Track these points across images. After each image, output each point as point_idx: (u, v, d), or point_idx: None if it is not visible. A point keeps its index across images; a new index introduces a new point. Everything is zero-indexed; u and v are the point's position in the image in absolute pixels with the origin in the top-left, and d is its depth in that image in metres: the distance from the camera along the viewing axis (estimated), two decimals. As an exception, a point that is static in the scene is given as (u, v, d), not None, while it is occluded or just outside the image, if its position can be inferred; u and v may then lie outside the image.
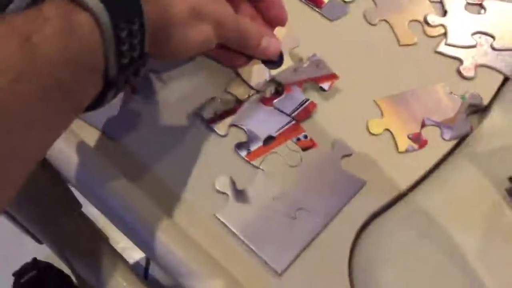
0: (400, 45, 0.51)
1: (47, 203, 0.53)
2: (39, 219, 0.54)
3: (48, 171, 0.48)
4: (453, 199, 0.42)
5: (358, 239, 0.42)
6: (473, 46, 0.50)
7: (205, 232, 0.40)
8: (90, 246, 0.58)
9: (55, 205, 0.55)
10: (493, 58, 0.50)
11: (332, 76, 0.47)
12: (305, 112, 0.46)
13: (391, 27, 0.51)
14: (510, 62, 0.49)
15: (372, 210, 0.42)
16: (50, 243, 0.59)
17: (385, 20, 0.52)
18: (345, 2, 0.52)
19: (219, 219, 0.41)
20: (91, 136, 0.44)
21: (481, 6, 0.52)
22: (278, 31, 0.45)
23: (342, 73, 0.47)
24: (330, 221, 0.41)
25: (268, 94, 0.47)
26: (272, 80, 0.47)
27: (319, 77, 0.48)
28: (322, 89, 0.47)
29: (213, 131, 0.44)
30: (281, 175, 0.43)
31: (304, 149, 0.45)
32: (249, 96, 0.46)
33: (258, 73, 0.47)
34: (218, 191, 0.42)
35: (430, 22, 0.51)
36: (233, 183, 0.43)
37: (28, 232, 0.59)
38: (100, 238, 0.63)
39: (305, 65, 0.48)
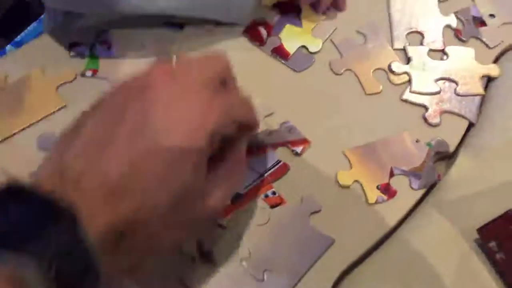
0: (366, 94, 0.51)
1: None
2: None
3: None
4: (423, 251, 0.42)
5: (331, 297, 0.41)
6: (437, 93, 0.51)
7: (172, 299, 0.40)
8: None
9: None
10: (457, 104, 0.50)
11: (304, 141, 0.47)
12: (277, 173, 0.46)
13: (357, 76, 0.52)
14: (474, 108, 0.50)
15: (343, 267, 0.42)
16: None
17: (350, 70, 0.52)
18: (310, 53, 0.53)
19: (183, 283, 0.40)
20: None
21: (443, 52, 0.53)
22: (253, 99, 0.45)
23: (310, 125, 0.48)
24: (299, 282, 0.41)
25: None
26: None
27: (292, 141, 0.48)
28: (295, 153, 0.47)
29: (179, 191, 0.44)
30: (249, 235, 0.42)
31: (272, 206, 0.44)
32: (215, 154, 0.46)
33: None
34: (184, 253, 0.41)
35: (394, 70, 0.52)
36: (199, 244, 0.42)
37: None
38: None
39: (278, 130, 0.48)
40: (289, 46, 0.52)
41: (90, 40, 0.51)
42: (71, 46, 0.51)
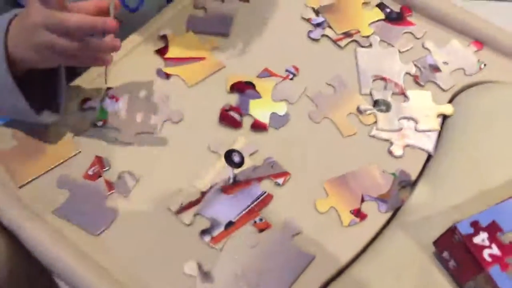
0: (343, 137, 0.59)
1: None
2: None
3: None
4: (391, 263, 0.49)
5: (312, 307, 0.48)
6: (400, 129, 0.59)
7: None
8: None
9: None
10: (417, 139, 0.58)
11: (285, 174, 0.55)
12: (263, 203, 0.53)
13: (333, 122, 0.60)
14: (432, 142, 0.58)
15: (322, 281, 0.49)
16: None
17: (327, 117, 0.60)
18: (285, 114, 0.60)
19: (189, 300, 0.47)
20: (75, 233, 0.50)
21: (404, 95, 0.62)
22: (238, 139, 0.54)
23: (295, 164, 0.55)
24: (285, 293, 0.48)
25: (228, 183, 0.54)
26: (235, 176, 0.55)
27: (274, 175, 0.55)
28: (277, 184, 0.55)
29: (180, 221, 0.51)
30: (241, 255, 0.50)
31: (260, 230, 0.51)
32: (210, 187, 0.54)
33: (224, 171, 0.55)
34: (187, 274, 0.48)
35: (363, 111, 0.60)
36: (199, 266, 0.49)
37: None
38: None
39: (262, 165, 0.56)
40: (261, 117, 0.59)
41: (100, 95, 0.60)
42: (83, 101, 0.59)
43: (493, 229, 0.44)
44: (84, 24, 0.48)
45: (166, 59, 0.63)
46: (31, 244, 0.49)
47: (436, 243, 0.47)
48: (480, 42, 0.66)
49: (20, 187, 0.53)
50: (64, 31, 0.48)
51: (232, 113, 0.59)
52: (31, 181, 0.53)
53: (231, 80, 0.62)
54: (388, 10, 0.69)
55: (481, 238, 0.43)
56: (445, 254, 0.46)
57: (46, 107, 0.55)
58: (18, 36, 0.51)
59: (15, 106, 0.52)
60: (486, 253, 0.42)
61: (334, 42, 0.66)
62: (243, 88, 0.61)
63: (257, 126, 0.59)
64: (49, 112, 0.55)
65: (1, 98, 0.52)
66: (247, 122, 0.59)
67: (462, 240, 0.43)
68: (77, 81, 0.61)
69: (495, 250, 0.42)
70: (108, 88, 0.60)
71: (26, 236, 0.49)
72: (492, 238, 0.43)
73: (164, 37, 0.65)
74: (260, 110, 0.60)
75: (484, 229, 0.44)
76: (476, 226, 0.44)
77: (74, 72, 0.62)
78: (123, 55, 0.62)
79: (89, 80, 0.61)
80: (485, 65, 0.64)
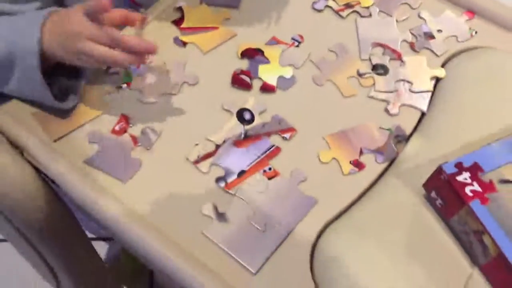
0: (344, 97, 0.65)
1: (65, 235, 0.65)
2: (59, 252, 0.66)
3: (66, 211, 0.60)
4: (386, 206, 0.55)
5: (317, 243, 0.54)
6: (396, 91, 0.65)
7: (197, 245, 0.52)
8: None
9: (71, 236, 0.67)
10: (412, 99, 0.64)
11: (291, 129, 0.61)
12: (272, 154, 0.59)
13: (335, 84, 0.66)
14: (425, 101, 0.64)
15: (324, 222, 0.55)
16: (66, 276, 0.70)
17: (330, 80, 0.66)
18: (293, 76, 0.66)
19: (206, 236, 0.53)
20: (105, 180, 0.56)
21: (401, 60, 0.67)
22: (249, 99, 0.60)
23: (300, 121, 0.61)
24: (291, 231, 0.54)
25: (240, 138, 0.60)
26: (246, 131, 0.61)
27: (282, 130, 0.61)
28: (285, 138, 0.61)
29: (198, 169, 0.58)
30: (252, 200, 0.56)
31: (269, 178, 0.57)
32: (224, 142, 0.60)
33: (236, 128, 0.61)
34: (204, 215, 0.55)
35: (362, 75, 0.66)
36: (215, 208, 0.55)
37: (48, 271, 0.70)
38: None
39: (270, 122, 0.62)
40: (270, 80, 0.65)
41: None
42: (108, 67, 0.65)
43: (474, 169, 0.49)
44: (133, 46, 0.55)
45: (182, 29, 0.69)
46: (70, 189, 0.55)
47: (425, 185, 0.53)
48: (471, 11, 0.71)
49: (55, 141, 0.59)
50: (108, 44, 0.55)
51: (243, 76, 0.65)
52: (64, 136, 0.60)
53: (242, 47, 0.68)
54: (386, -18, 0.74)
55: (464, 177, 0.49)
56: (433, 194, 0.52)
57: (67, 91, 0.61)
58: (56, 37, 0.56)
59: (40, 96, 0.59)
60: (468, 190, 0.48)
61: (336, 12, 0.72)
62: (253, 54, 0.67)
63: (266, 88, 0.64)
64: (73, 96, 0.61)
65: (27, 88, 0.58)
66: (256, 84, 0.65)
67: (447, 178, 0.49)
68: None
69: (476, 187, 0.48)
70: None
71: (66, 183, 0.55)
72: (474, 177, 0.49)
73: (179, 9, 0.71)
74: (268, 74, 0.66)
75: (467, 169, 0.49)
76: (460, 167, 0.50)
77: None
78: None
79: None
80: (476, 32, 0.70)
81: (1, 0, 0.61)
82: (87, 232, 0.75)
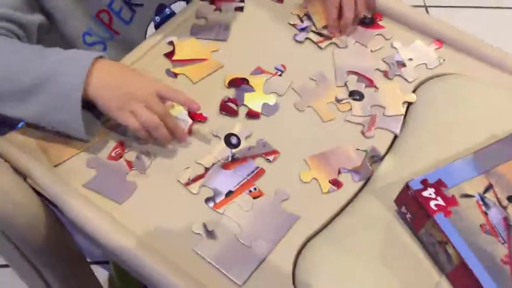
0: (323, 122, 0.70)
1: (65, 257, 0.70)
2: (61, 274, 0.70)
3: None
4: (362, 222, 0.60)
5: (299, 256, 0.58)
6: (371, 115, 0.70)
7: (188, 261, 0.57)
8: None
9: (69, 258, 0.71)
10: (386, 122, 0.69)
11: (275, 152, 0.66)
12: (257, 175, 0.64)
13: (315, 110, 0.71)
14: (398, 124, 0.69)
15: (306, 236, 0.59)
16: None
17: (310, 106, 0.71)
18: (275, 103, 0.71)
19: (196, 252, 0.58)
20: (102, 202, 0.61)
21: (375, 87, 0.73)
22: (236, 125, 0.65)
23: (283, 145, 0.66)
24: (275, 246, 0.58)
25: (228, 161, 0.65)
26: (233, 154, 0.66)
27: (266, 153, 0.66)
28: (268, 160, 0.66)
29: (189, 191, 0.62)
30: (239, 218, 0.60)
31: (255, 197, 0.62)
32: (213, 164, 0.65)
33: (224, 151, 0.66)
34: (194, 233, 0.59)
35: (340, 100, 0.71)
36: (205, 226, 0.60)
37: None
38: None
39: (256, 145, 0.67)
40: (255, 107, 0.70)
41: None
42: None
43: (438, 185, 0.55)
44: (177, 134, 0.65)
45: (173, 61, 0.75)
46: (69, 212, 0.60)
47: (396, 200, 0.58)
48: (440, 41, 0.78)
49: (55, 166, 0.64)
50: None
51: (230, 104, 0.70)
52: (63, 162, 0.64)
53: (229, 77, 0.73)
54: (362, 16, 0.81)
55: (429, 192, 0.54)
56: (403, 209, 0.57)
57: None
58: (107, 89, 0.62)
59: (68, 124, 0.62)
60: (432, 204, 0.53)
61: (316, 44, 0.78)
62: (239, 83, 0.73)
63: (251, 114, 0.70)
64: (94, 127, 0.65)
65: (58, 118, 0.62)
66: (242, 111, 0.70)
67: (413, 194, 0.54)
68: None
69: (440, 201, 0.53)
70: None
71: (66, 206, 0.60)
72: (438, 192, 0.54)
73: (171, 43, 0.77)
74: (253, 101, 0.71)
75: (432, 185, 0.55)
76: (425, 183, 0.55)
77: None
78: (137, 58, 0.74)
79: None
80: (444, 60, 0.76)
81: (3, 5, 0.65)
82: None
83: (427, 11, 1.95)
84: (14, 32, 0.66)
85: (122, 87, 0.63)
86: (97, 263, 1.15)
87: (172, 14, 0.84)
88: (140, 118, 0.62)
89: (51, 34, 0.73)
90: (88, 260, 0.85)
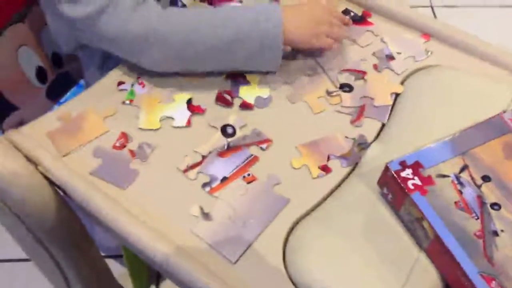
0: (314, 113, 0.74)
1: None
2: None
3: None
4: (348, 203, 0.63)
5: (289, 236, 0.62)
6: (360, 106, 0.74)
7: (186, 241, 0.61)
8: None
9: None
10: (374, 112, 0.73)
11: (268, 140, 0.71)
12: (251, 162, 0.69)
13: (307, 102, 0.75)
14: (385, 114, 0.73)
15: (296, 217, 0.63)
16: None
17: (302, 99, 0.76)
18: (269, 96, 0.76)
19: (194, 233, 0.62)
20: (107, 188, 0.66)
21: (364, 79, 0.77)
22: (232, 116, 0.71)
23: (275, 134, 0.71)
24: (266, 227, 0.62)
25: (223, 149, 0.70)
26: (229, 143, 0.70)
27: (259, 141, 0.71)
28: (262, 148, 0.70)
29: (187, 177, 0.67)
30: (234, 200, 0.65)
31: (248, 182, 0.66)
32: (209, 153, 0.69)
33: (220, 140, 0.71)
34: (192, 215, 0.64)
35: (330, 93, 0.75)
36: (201, 209, 0.64)
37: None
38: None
39: (250, 134, 0.71)
40: (249, 99, 0.75)
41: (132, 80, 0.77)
42: (119, 83, 0.76)
43: (416, 166, 0.58)
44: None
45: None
46: (77, 196, 0.65)
47: (378, 182, 0.62)
48: (427, 34, 0.81)
49: (64, 156, 0.69)
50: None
51: (225, 95, 0.75)
52: (71, 151, 0.70)
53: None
54: (352, 13, 0.85)
55: (407, 173, 0.58)
56: (385, 190, 0.61)
57: None
58: (299, 29, 0.75)
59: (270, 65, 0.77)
60: (410, 183, 0.57)
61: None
62: (236, 77, 0.78)
63: (245, 106, 0.74)
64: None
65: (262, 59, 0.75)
66: (237, 103, 0.75)
67: (392, 175, 0.58)
68: (117, 69, 0.78)
69: (417, 181, 0.57)
70: (139, 77, 0.77)
71: (75, 190, 0.65)
72: (415, 173, 0.58)
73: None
74: (248, 94, 0.76)
75: (409, 167, 0.58)
76: (403, 164, 0.59)
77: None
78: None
79: (125, 68, 0.78)
80: (431, 52, 0.79)
81: None
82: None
83: (433, 11, 1.98)
84: None
85: (308, 21, 0.76)
86: (110, 257, 1.20)
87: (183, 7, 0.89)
88: (333, 35, 0.78)
89: None
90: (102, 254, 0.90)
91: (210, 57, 0.74)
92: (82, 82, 1.05)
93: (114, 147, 0.70)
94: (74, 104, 0.75)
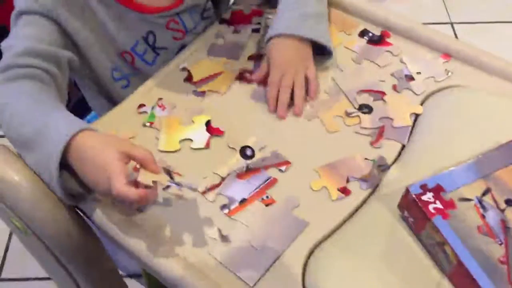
0: (327, 132, 0.74)
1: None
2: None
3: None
4: (368, 226, 0.63)
5: (308, 259, 0.62)
6: (380, 127, 0.73)
7: (204, 263, 0.61)
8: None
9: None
10: (393, 133, 0.73)
11: (287, 163, 0.71)
12: (269, 185, 0.69)
13: (321, 121, 0.75)
14: (405, 135, 0.72)
15: (315, 240, 0.63)
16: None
17: (317, 117, 0.76)
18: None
19: (212, 255, 0.62)
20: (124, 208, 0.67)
21: (383, 100, 0.76)
22: (251, 139, 0.71)
23: (292, 154, 0.71)
24: (285, 250, 0.62)
25: (242, 171, 0.70)
26: (247, 165, 0.70)
27: (278, 163, 0.71)
28: (281, 170, 0.70)
29: (206, 198, 0.67)
30: (251, 223, 0.64)
31: (267, 205, 0.66)
32: (228, 175, 0.69)
33: (239, 162, 0.71)
34: (210, 237, 0.64)
35: (349, 114, 0.75)
36: (219, 231, 0.64)
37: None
38: None
39: (269, 156, 0.71)
40: None
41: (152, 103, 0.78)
42: (139, 106, 0.77)
43: (437, 190, 0.57)
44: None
45: (195, 83, 0.81)
46: (94, 217, 0.66)
47: (399, 205, 0.61)
48: (447, 54, 0.81)
49: (86, 178, 0.70)
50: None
51: (246, 75, 0.81)
52: (93, 174, 0.70)
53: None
54: (370, 34, 0.85)
55: (428, 196, 0.57)
56: (406, 213, 0.60)
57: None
58: (87, 167, 0.63)
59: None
60: (431, 207, 0.56)
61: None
62: (258, 58, 0.83)
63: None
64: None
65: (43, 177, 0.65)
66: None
67: (413, 198, 0.57)
68: (138, 92, 0.79)
69: (438, 204, 0.56)
70: (159, 99, 0.78)
71: (92, 211, 0.66)
72: (436, 196, 0.57)
73: (184, 69, 0.82)
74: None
75: (430, 190, 0.57)
76: (424, 188, 0.58)
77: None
78: (155, 84, 0.80)
79: (145, 91, 0.79)
80: (451, 73, 0.79)
81: (37, 40, 0.71)
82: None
83: (453, 28, 1.97)
84: (49, 71, 0.71)
85: (96, 169, 0.62)
86: (129, 276, 1.21)
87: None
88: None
89: (82, 71, 0.80)
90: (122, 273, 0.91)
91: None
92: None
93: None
94: (96, 127, 0.76)
